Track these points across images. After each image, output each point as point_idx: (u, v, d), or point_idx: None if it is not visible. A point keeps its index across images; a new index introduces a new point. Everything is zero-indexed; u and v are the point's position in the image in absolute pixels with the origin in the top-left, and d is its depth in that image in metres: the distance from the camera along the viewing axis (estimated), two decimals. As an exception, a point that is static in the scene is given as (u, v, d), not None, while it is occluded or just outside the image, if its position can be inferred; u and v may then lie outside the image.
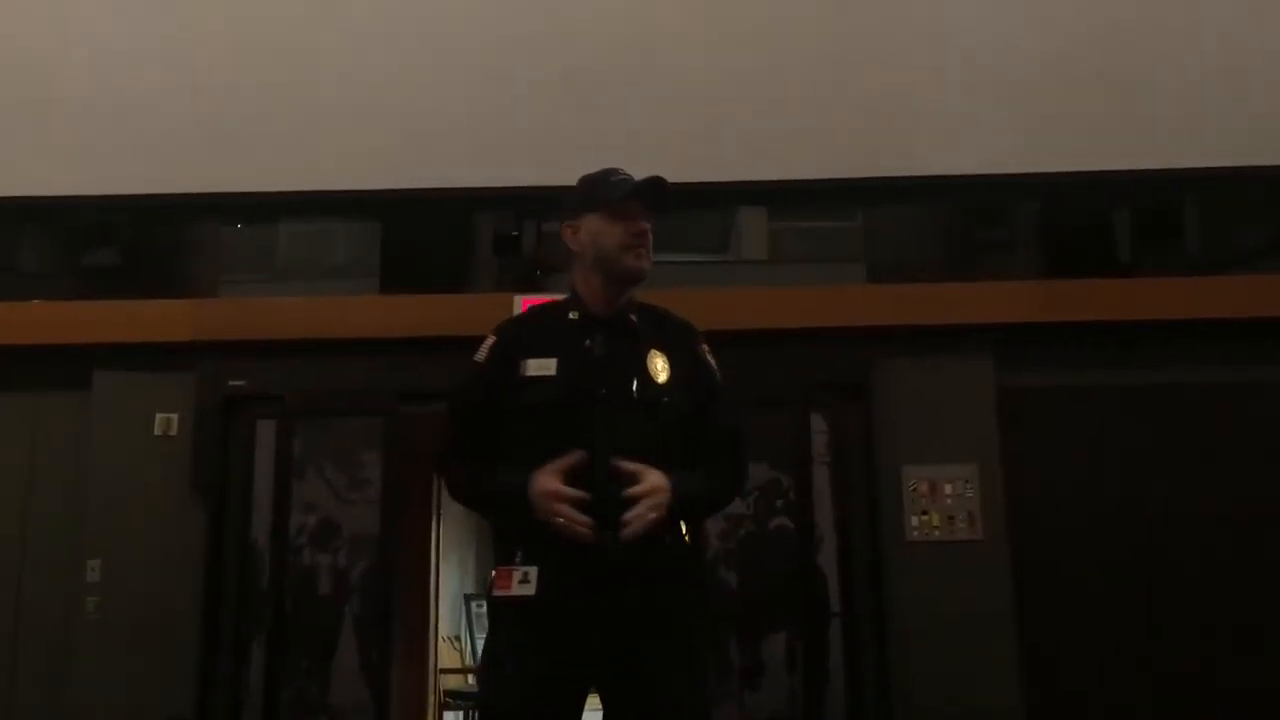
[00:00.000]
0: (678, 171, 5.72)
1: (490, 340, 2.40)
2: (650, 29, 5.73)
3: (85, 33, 5.81)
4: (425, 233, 6.02)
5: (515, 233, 5.76)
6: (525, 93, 5.72)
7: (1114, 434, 5.36)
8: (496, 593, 2.24)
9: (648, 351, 2.33)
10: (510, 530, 2.31)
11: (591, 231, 2.37)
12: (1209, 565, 5.19)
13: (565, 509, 2.13)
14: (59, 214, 5.93)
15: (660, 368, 2.32)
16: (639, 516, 2.13)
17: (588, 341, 2.33)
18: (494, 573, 2.27)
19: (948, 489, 5.25)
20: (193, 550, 5.29)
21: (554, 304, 2.44)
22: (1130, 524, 5.24)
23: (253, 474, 5.45)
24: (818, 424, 5.45)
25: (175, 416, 5.42)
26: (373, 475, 5.40)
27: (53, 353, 5.46)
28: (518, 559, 2.24)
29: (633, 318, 2.38)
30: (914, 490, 5.27)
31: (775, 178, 5.74)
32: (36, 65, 5.80)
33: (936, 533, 5.23)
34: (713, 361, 2.44)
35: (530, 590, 2.19)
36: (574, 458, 2.15)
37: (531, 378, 2.29)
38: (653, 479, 2.16)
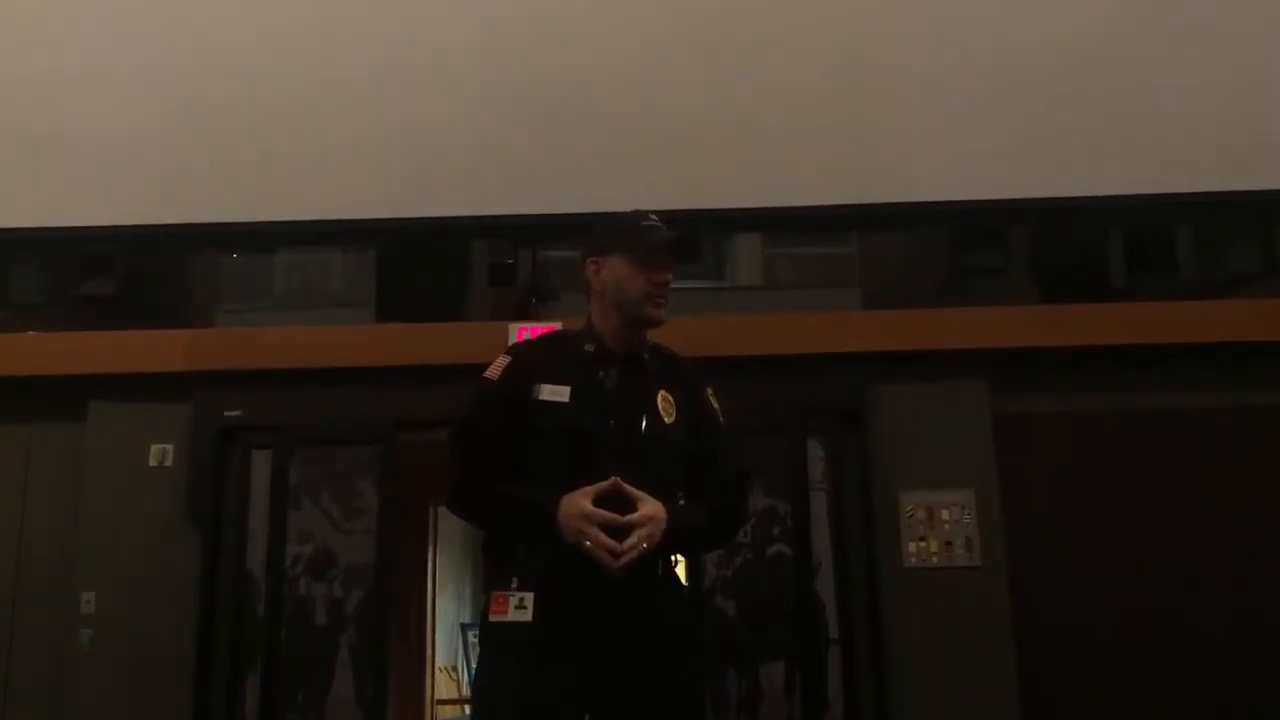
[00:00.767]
0: (672, 198, 5.78)
1: (505, 360, 2.43)
2: (644, 57, 5.76)
3: (81, 64, 5.83)
4: (420, 262, 6.02)
5: (511, 261, 5.77)
6: (520, 122, 5.74)
7: (1110, 458, 5.35)
8: (494, 618, 2.25)
9: (658, 391, 2.38)
10: (508, 555, 2.31)
11: (615, 274, 2.41)
12: (1208, 590, 5.17)
13: (595, 532, 2.14)
14: (53, 245, 5.92)
15: (668, 408, 2.37)
16: (631, 546, 2.14)
17: (601, 374, 2.36)
18: (490, 597, 2.27)
19: (945, 514, 5.24)
20: (188, 581, 5.26)
21: (570, 333, 2.50)
22: (1128, 548, 5.22)
23: (248, 504, 5.43)
24: (814, 450, 5.44)
25: (170, 447, 5.40)
26: (369, 504, 5.39)
27: (47, 383, 5.45)
28: (514, 585, 2.24)
29: (645, 356, 2.43)
30: (911, 516, 5.26)
31: (770, 204, 5.76)
32: (31, 96, 5.82)
33: (934, 559, 5.21)
34: (718, 405, 2.48)
35: (528, 616, 2.21)
36: (607, 484, 2.19)
37: (544, 402, 2.32)
38: (648, 508, 2.18)
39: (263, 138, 5.77)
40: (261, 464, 5.48)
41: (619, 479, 2.19)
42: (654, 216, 2.46)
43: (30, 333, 5.68)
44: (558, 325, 5.36)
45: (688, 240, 2.45)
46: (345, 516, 5.41)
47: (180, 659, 5.17)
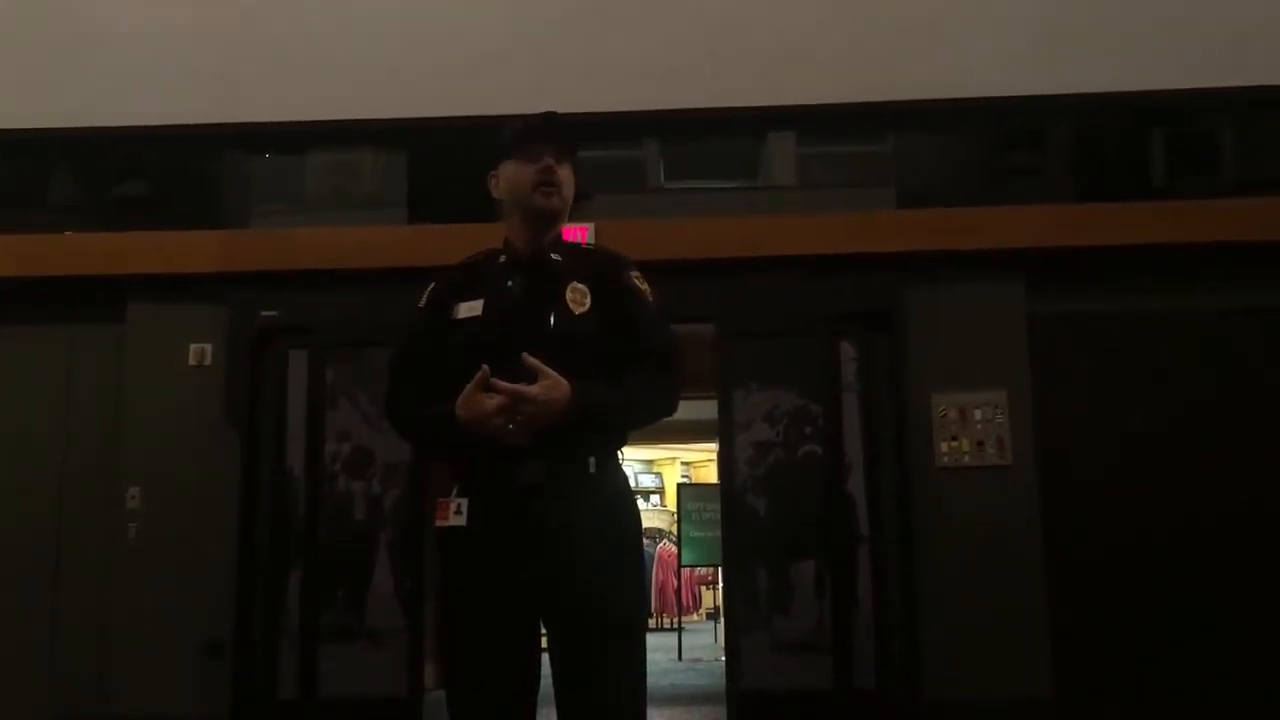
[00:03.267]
0: (706, 96, 5.72)
1: (429, 286, 2.51)
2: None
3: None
4: (453, 161, 6.00)
5: (544, 161, 5.73)
6: (553, 20, 5.67)
7: (1145, 359, 5.33)
8: (437, 524, 2.33)
9: (566, 285, 2.37)
10: (452, 461, 2.39)
11: (507, 177, 2.43)
12: (1239, 489, 5.17)
13: (489, 412, 2.18)
14: (89, 145, 5.95)
15: (580, 300, 2.36)
16: (520, 418, 2.16)
17: (510, 282, 2.39)
18: (436, 503, 2.36)
19: (977, 415, 5.25)
20: (229, 478, 5.37)
21: (490, 250, 2.52)
22: (1159, 449, 5.23)
23: (286, 403, 5.51)
24: (847, 351, 5.44)
25: (209, 346, 5.47)
26: (405, 403, 5.43)
27: (87, 284, 5.51)
28: (454, 491, 2.32)
29: (554, 255, 2.43)
30: (943, 416, 5.27)
31: (804, 102, 5.68)
32: (64, -3, 5.80)
33: (966, 458, 5.23)
34: (645, 287, 2.45)
35: (462, 521, 2.28)
36: (480, 376, 2.19)
37: (461, 320, 2.38)
38: (547, 382, 2.18)
39: (296, 37, 5.74)
40: (298, 364, 5.54)
41: (486, 369, 2.19)
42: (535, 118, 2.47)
43: (68, 233, 5.73)
44: (590, 226, 5.37)
45: (546, 120, 2.44)
46: (381, 415, 5.47)
47: (224, 553, 5.29)
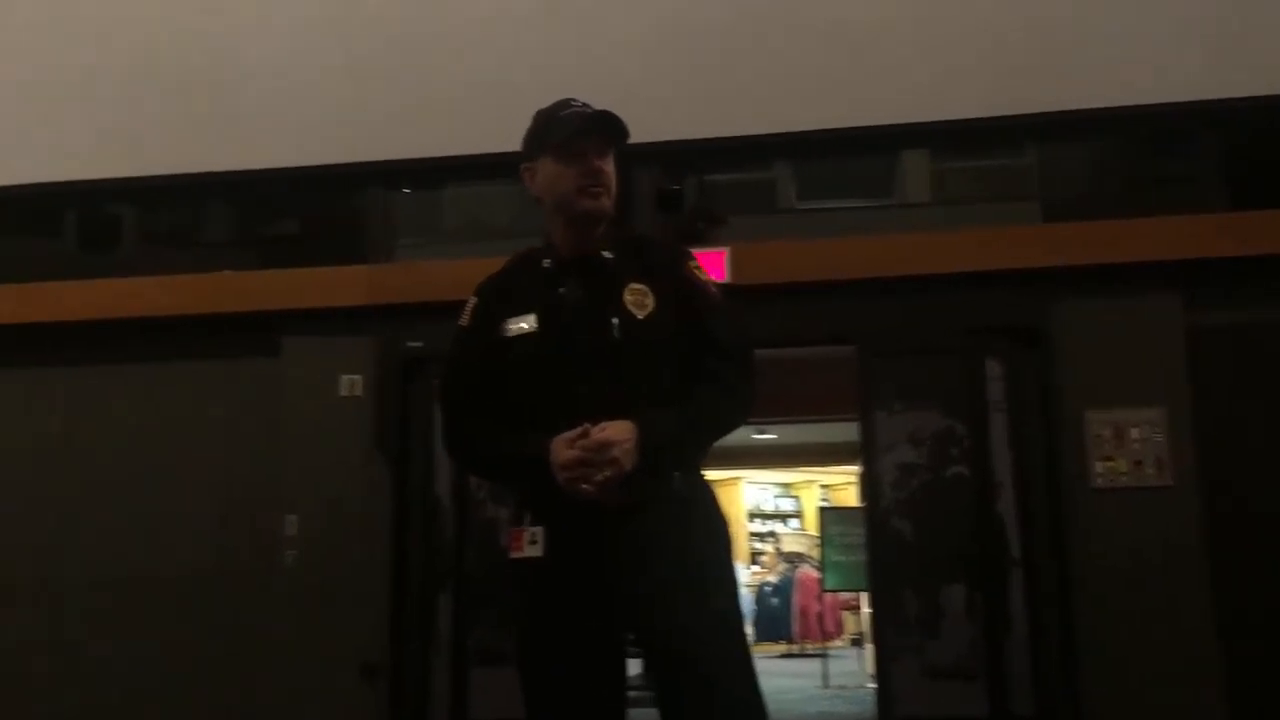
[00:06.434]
0: (837, 115, 5.68)
1: (472, 300, 2.34)
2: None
3: (258, 12, 6.03)
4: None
5: (677, 187, 5.77)
6: (683, 43, 5.69)
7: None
8: (511, 555, 2.20)
9: (625, 286, 2.20)
10: (519, 492, 2.26)
11: (547, 175, 2.27)
12: None
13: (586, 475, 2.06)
14: (241, 187, 6.19)
15: (641, 301, 2.20)
16: (599, 481, 2.04)
17: (561, 289, 2.23)
18: (510, 534, 2.24)
19: (1134, 434, 5.07)
20: (380, 505, 5.50)
21: (530, 252, 2.34)
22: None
23: (433, 432, 5.63)
24: (993, 369, 5.33)
25: (359, 378, 5.63)
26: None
27: (243, 320, 5.73)
28: (527, 520, 2.19)
29: (606, 254, 2.25)
30: (1097, 436, 5.10)
31: (938, 118, 5.59)
32: (212, 44, 6.05)
33: (1124, 479, 5.05)
34: (705, 278, 2.29)
35: (538, 551, 2.14)
36: (577, 432, 2.05)
37: (512, 338, 2.22)
38: (608, 432, 2.05)
39: (430, 78, 5.88)
40: (444, 393, 5.65)
41: (588, 426, 2.04)
42: (577, 102, 2.30)
43: (226, 272, 5.97)
44: (725, 251, 5.37)
45: (605, 118, 2.27)
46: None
47: (376, 579, 5.42)
